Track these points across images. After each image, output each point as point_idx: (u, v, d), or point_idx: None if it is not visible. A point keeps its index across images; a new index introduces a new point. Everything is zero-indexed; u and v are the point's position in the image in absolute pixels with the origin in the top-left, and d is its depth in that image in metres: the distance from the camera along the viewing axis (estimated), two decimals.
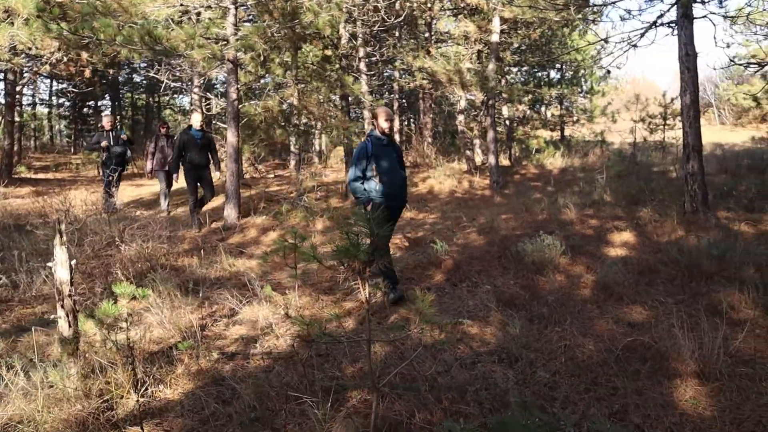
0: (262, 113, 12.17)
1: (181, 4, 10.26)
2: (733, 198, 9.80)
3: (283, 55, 12.33)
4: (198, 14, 13.43)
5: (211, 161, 10.27)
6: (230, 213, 10.42)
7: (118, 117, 29.93)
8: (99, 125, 12.80)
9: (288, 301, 5.79)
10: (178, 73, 17.05)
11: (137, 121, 33.62)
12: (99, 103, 30.94)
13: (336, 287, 6.41)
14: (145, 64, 23.53)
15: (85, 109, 31.40)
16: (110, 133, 11.74)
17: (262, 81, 14.81)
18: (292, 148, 19.32)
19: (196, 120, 10.02)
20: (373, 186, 5.83)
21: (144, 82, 29.43)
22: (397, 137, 21.40)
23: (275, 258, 7.44)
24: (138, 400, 3.70)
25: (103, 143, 11.52)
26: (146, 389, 3.91)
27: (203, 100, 19.05)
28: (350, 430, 3.17)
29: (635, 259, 6.71)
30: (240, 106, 11.09)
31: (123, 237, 7.50)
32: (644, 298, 5.51)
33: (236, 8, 10.26)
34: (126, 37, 8.72)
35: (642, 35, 8.45)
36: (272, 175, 18.62)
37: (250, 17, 16.37)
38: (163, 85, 16.97)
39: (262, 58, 11.77)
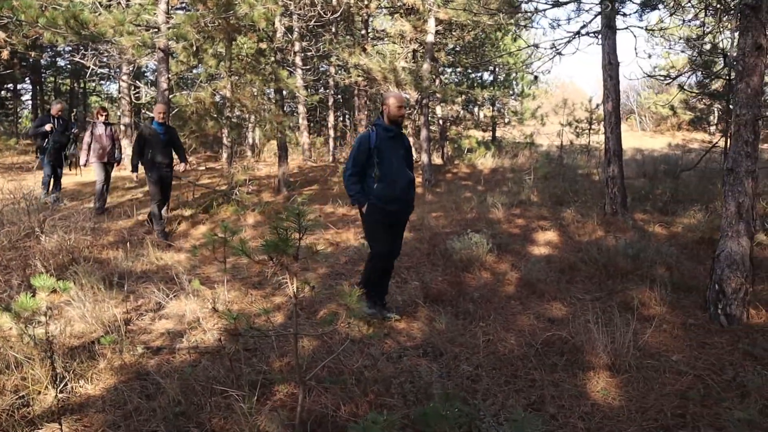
0: (194, 104, 11.92)
1: None
2: (650, 201, 10.28)
3: (217, 46, 12.13)
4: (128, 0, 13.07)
5: (177, 158, 9.18)
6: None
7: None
8: (46, 109, 12.05)
9: (216, 295, 5.73)
10: (105, 60, 16.53)
11: None
12: (18, 87, 29.59)
13: (266, 282, 6.38)
14: (71, 48, 22.68)
15: (2, 92, 29.97)
16: (57, 120, 11.13)
17: (194, 71, 14.52)
18: (225, 141, 19.01)
19: (158, 111, 8.87)
20: (373, 185, 5.03)
21: (69, 66, 28.29)
22: (331, 133, 21.36)
23: (204, 252, 7.35)
24: (56, 396, 3.61)
25: (47, 126, 10.87)
26: (66, 385, 3.81)
27: (132, 89, 18.52)
28: (275, 423, 3.18)
29: (558, 257, 6.97)
30: (171, 96, 10.85)
31: (43, 228, 7.23)
32: (564, 294, 5.74)
33: None
34: (49, 19, 8.38)
35: (566, 43, 8.75)
36: (203, 168, 18.28)
37: (183, 5, 16.01)
38: (89, 70, 16.43)
39: (194, 49, 11.55)
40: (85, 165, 10.78)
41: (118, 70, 19.20)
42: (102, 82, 30.70)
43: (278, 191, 13.32)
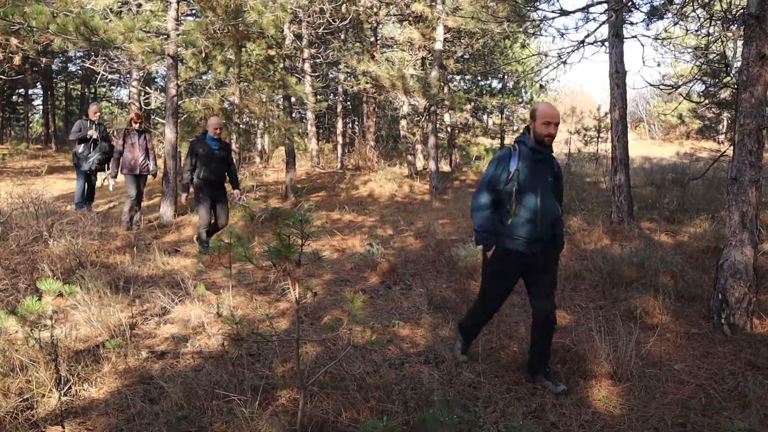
0: (203, 110, 12.02)
1: None
2: (657, 210, 10.26)
3: (226, 52, 12.22)
4: (138, 6, 13.20)
5: (228, 178, 8.18)
6: (166, 211, 10.26)
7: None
8: (84, 115, 10.81)
9: (221, 300, 5.77)
10: (115, 65, 16.66)
11: (71, 112, 32.60)
12: (29, 92, 29.85)
13: (271, 287, 6.41)
14: (81, 54, 22.88)
15: (14, 97, 30.23)
16: (97, 125, 10.45)
17: (203, 78, 14.62)
18: (233, 147, 19.10)
19: (213, 127, 7.85)
20: (506, 221, 3.96)
21: (79, 72, 28.53)
22: (339, 139, 21.41)
23: (210, 257, 7.42)
24: (60, 399, 3.65)
25: (90, 132, 10.25)
26: (69, 388, 3.84)
27: (142, 94, 18.65)
28: (276, 428, 3.21)
29: (563, 265, 6.95)
30: (180, 102, 10.94)
31: (51, 232, 7.30)
32: (568, 302, 5.74)
33: (178, 2, 10.13)
34: (60, 25, 8.47)
35: (571, 53, 8.76)
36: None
37: (193, 12, 16.15)
38: (99, 76, 16.57)
39: (203, 55, 11.65)
40: (115, 177, 9.92)
41: (128, 75, 19.35)
42: (112, 87, 30.94)
43: (286, 197, 13.38)
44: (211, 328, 5.06)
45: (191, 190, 8.05)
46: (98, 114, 10.53)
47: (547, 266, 4.08)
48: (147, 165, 9.69)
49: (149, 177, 10.05)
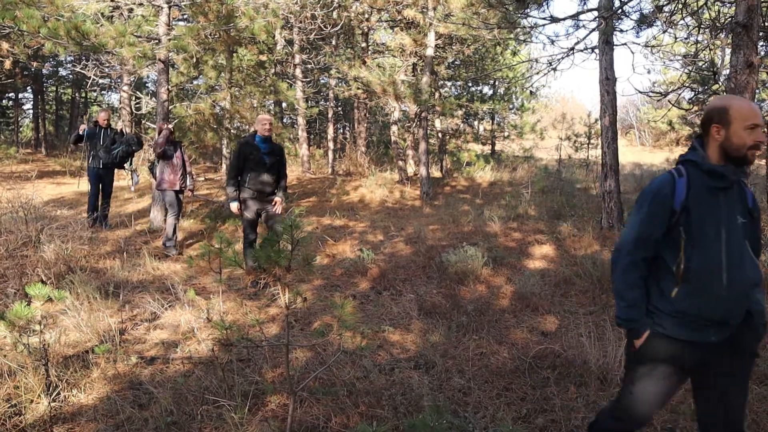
0: (194, 115, 12.00)
1: (112, 0, 10.04)
2: None
3: (218, 57, 12.22)
4: (130, 11, 13.17)
5: (278, 185, 7.04)
6: (156, 215, 10.22)
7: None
8: (93, 120, 10.21)
9: (211, 305, 5.75)
10: (106, 70, 16.62)
11: (62, 117, 32.46)
12: (20, 96, 29.69)
13: (261, 293, 6.40)
14: (72, 58, 22.80)
15: (4, 101, 30.06)
16: (105, 131, 9.94)
17: (194, 82, 14.62)
18: (224, 152, 19.08)
19: (262, 123, 6.76)
20: (670, 289, 2.53)
21: (70, 76, 28.43)
22: (330, 145, 21.42)
23: (201, 262, 7.38)
24: (49, 405, 3.62)
25: (81, 127, 9.80)
26: (58, 394, 3.82)
27: (132, 99, 18.60)
28: None
29: (553, 271, 7.00)
30: (171, 107, 10.92)
31: (40, 237, 7.26)
32: (558, 308, 5.76)
33: (170, 7, 10.12)
34: (51, 30, 8.45)
35: (561, 59, 8.82)
36: (202, 179, 18.33)
37: (185, 16, 16.13)
38: (90, 80, 16.52)
39: (194, 60, 11.64)
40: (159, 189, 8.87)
41: (118, 80, 19.31)
42: (103, 92, 30.85)
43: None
44: (200, 333, 5.04)
45: (239, 201, 6.89)
46: (107, 120, 10.02)
47: (735, 366, 2.57)
48: (185, 179, 8.81)
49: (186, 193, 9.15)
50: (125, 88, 18.85)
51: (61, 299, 3.79)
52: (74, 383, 4.00)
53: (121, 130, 10.51)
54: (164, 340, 4.97)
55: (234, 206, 6.82)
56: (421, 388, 3.94)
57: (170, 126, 8.92)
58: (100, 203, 10.10)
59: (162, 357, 4.59)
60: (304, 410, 3.62)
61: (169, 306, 5.72)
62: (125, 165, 10.26)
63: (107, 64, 15.89)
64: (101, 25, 9.42)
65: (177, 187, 8.65)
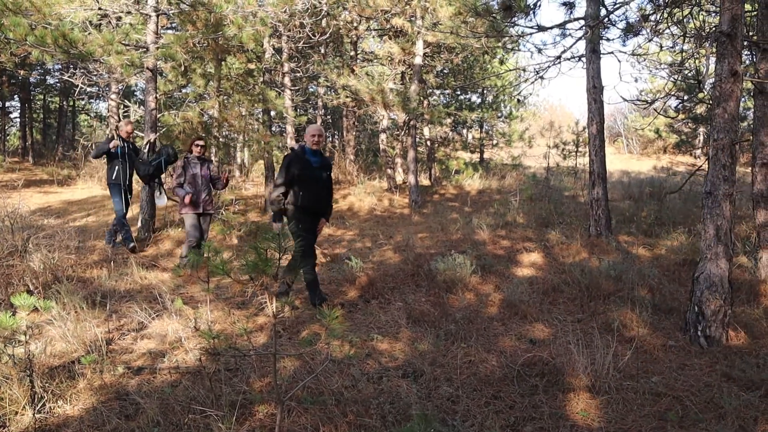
0: (182, 124, 11.97)
1: (100, 8, 10.01)
2: (635, 223, 10.38)
3: (206, 66, 12.20)
4: (118, 19, 13.14)
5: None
6: (144, 225, 10.17)
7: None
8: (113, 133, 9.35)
9: (199, 315, 5.72)
10: (94, 78, 16.55)
11: (49, 125, 32.24)
12: (6, 104, 29.49)
13: (249, 302, 6.37)
14: (60, 67, 22.69)
15: None
16: (128, 144, 9.20)
17: (183, 91, 14.58)
18: (213, 160, 19.05)
19: (311, 135, 6.06)
20: None
21: (58, 84, 28.28)
22: None
23: (188, 271, 7.36)
24: (34, 416, 3.59)
25: (113, 144, 8.88)
26: (44, 405, 3.78)
27: (120, 107, 18.54)
28: None
29: (541, 278, 7.02)
30: (159, 115, 10.88)
31: (27, 246, 7.21)
32: (546, 316, 5.78)
33: (158, 16, 10.11)
34: (38, 37, 8.42)
35: (548, 68, 8.87)
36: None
37: (173, 25, 16.12)
38: (78, 89, 16.45)
39: (183, 68, 11.61)
40: (163, 193, 8.69)
41: (106, 88, 19.23)
42: (91, 100, 30.71)
43: (265, 211, 13.34)
44: (188, 342, 5.01)
45: (285, 220, 6.16)
46: (131, 131, 9.23)
47: None
48: (211, 200, 8.11)
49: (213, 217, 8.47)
50: (113, 96, 18.82)
51: (47, 309, 3.77)
52: (60, 394, 3.97)
53: (154, 141, 9.87)
54: (151, 349, 4.93)
55: (277, 227, 6.02)
56: (410, 396, 3.94)
57: (200, 142, 8.09)
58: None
59: (149, 367, 4.56)
60: (292, 420, 3.60)
61: (157, 315, 5.68)
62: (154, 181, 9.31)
63: (95, 73, 15.83)
64: (89, 33, 9.39)
65: (200, 210, 7.84)
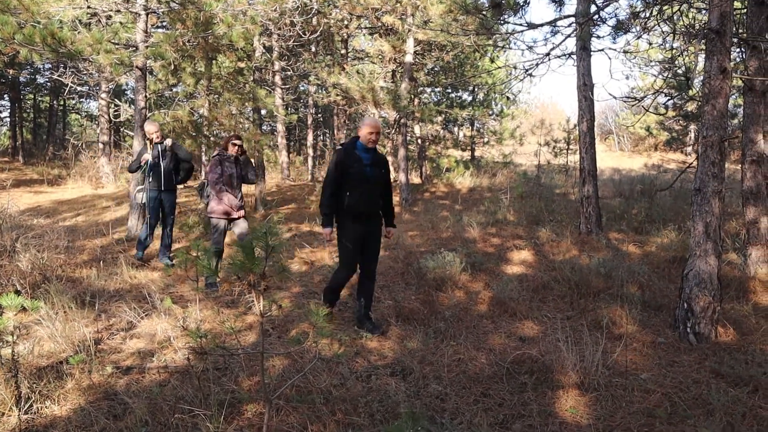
0: (172, 123, 11.92)
1: (89, 6, 9.95)
2: (625, 220, 10.41)
3: (196, 64, 12.15)
4: (108, 17, 13.08)
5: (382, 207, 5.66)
6: (134, 224, 10.12)
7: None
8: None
9: (188, 314, 5.70)
10: (84, 77, 16.47)
11: (39, 125, 32.08)
12: None
13: (238, 301, 6.35)
14: (50, 66, 22.57)
15: None
16: (158, 146, 8.09)
17: (173, 90, 14.53)
18: (203, 159, 18.99)
19: (369, 131, 5.33)
20: None
21: (48, 83, 28.13)
22: (310, 152, 21.42)
23: (178, 270, 7.33)
24: (20, 417, 3.56)
25: (145, 156, 8.03)
26: (31, 406, 3.75)
27: (111, 107, 18.47)
28: None
29: (531, 276, 7.03)
30: (149, 114, 10.84)
31: (16, 246, 7.17)
32: (536, 313, 5.78)
33: (147, 14, 10.05)
34: (26, 36, 8.36)
35: (537, 65, 8.89)
36: (181, 186, 18.21)
37: (163, 23, 16.06)
38: (68, 88, 16.37)
39: (173, 67, 11.57)
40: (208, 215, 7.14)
41: (96, 87, 19.16)
42: (81, 99, 30.56)
43: (255, 210, 13.32)
44: (177, 342, 4.99)
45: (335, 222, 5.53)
46: (157, 133, 8.11)
47: None
48: (242, 206, 7.29)
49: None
50: (103, 95, 18.75)
51: (35, 309, 3.75)
52: (47, 395, 3.94)
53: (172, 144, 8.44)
54: (140, 349, 4.91)
55: (328, 231, 5.43)
56: (398, 394, 3.93)
57: (238, 141, 7.20)
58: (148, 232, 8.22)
59: (138, 367, 4.53)
60: (280, 419, 3.59)
61: (146, 315, 5.66)
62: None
63: (85, 72, 15.76)
64: (78, 32, 9.34)
65: (234, 215, 7.07)
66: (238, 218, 7.13)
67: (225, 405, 3.68)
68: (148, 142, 8.27)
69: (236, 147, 7.15)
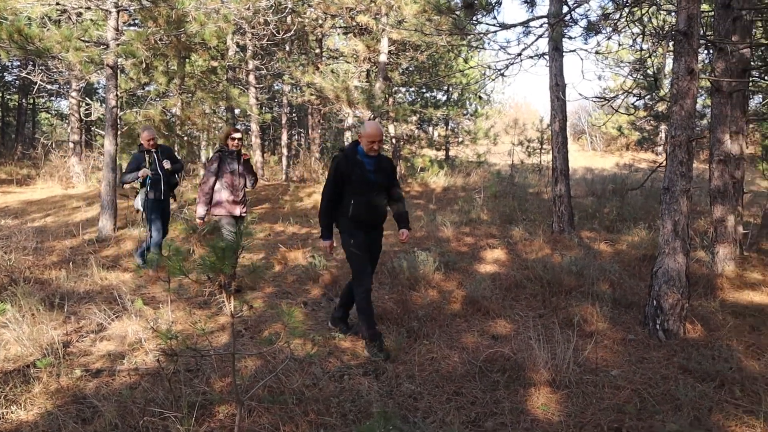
0: (144, 122, 11.79)
1: (58, 3, 9.80)
2: (597, 219, 10.53)
3: (170, 63, 12.04)
4: (78, 15, 12.89)
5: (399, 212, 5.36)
6: (105, 224, 10.00)
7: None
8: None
9: (160, 315, 5.64)
10: (54, 75, 16.23)
11: (8, 123, 31.52)
12: None
13: (211, 301, 6.30)
14: (18, 63, 22.21)
15: None
16: (154, 153, 7.73)
17: (146, 88, 14.38)
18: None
19: (370, 139, 4.89)
20: None
21: (16, 81, 27.65)
22: (284, 151, 21.34)
23: (150, 271, 7.25)
24: None
25: (144, 172, 7.52)
26: None
27: (81, 105, 18.20)
28: None
29: (504, 275, 7.07)
30: (120, 113, 10.71)
31: None
32: (509, 312, 5.82)
33: (118, 12, 9.93)
34: None
35: (509, 65, 8.96)
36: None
37: (135, 21, 15.89)
38: (37, 86, 16.11)
39: (144, 66, 11.45)
40: (202, 218, 6.66)
41: (67, 86, 18.87)
42: (52, 98, 30.10)
43: None
44: (148, 344, 4.94)
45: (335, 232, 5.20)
46: (152, 140, 7.72)
47: None
48: (246, 203, 6.97)
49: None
50: (74, 94, 18.45)
51: (1, 312, 3.67)
52: (14, 399, 3.87)
53: (167, 150, 8.15)
54: (111, 351, 4.84)
55: (327, 244, 5.09)
56: (371, 394, 3.93)
57: (237, 135, 6.82)
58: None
59: (108, 369, 4.47)
60: (252, 419, 3.57)
61: (117, 317, 5.58)
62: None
63: (55, 70, 15.53)
64: (47, 29, 9.19)
65: (237, 213, 6.73)
66: (241, 217, 6.77)
67: (196, 407, 3.65)
68: (144, 152, 7.71)
69: (236, 141, 6.74)
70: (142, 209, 7.79)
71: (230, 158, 6.69)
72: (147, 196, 7.61)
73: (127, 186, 8.22)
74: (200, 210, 6.55)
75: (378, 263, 5.48)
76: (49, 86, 18.96)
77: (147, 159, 7.65)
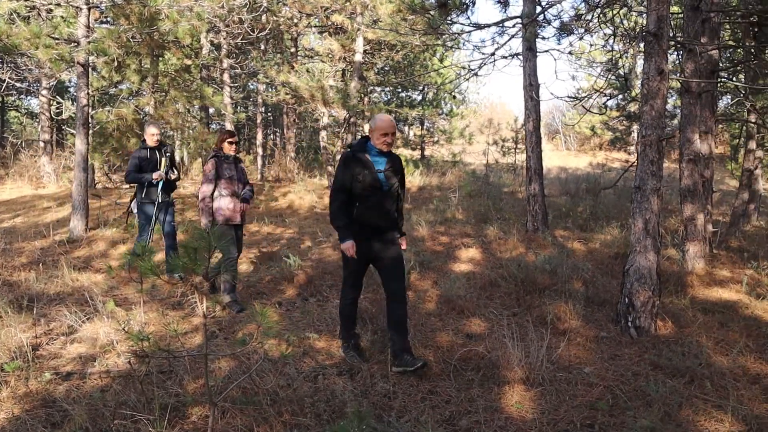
0: (116, 121, 11.65)
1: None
2: (571, 218, 10.64)
3: (141, 61, 11.90)
4: (48, 11, 12.69)
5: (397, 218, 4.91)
6: (77, 225, 9.85)
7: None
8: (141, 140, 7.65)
9: (132, 316, 5.57)
10: (23, 73, 15.95)
11: None
12: None
13: (184, 302, 6.24)
14: None
15: None
16: (157, 152, 7.38)
17: (118, 87, 14.21)
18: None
19: (383, 132, 4.55)
20: None
21: None
22: (260, 151, 21.23)
23: (122, 272, 7.16)
24: None
25: (156, 175, 7.21)
26: None
27: (52, 104, 17.92)
28: None
29: (479, 274, 7.11)
30: (92, 112, 10.56)
31: None
32: (483, 310, 5.86)
33: (89, 9, 9.79)
34: None
35: (482, 65, 9.01)
36: (126, 186, 17.80)
37: (107, 18, 15.68)
38: (5, 84, 15.82)
39: (116, 64, 11.31)
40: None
41: (37, 84, 18.56)
42: (21, 96, 29.55)
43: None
44: (120, 346, 4.87)
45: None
46: (157, 136, 7.40)
47: None
48: (246, 209, 6.43)
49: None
50: (44, 92, 18.15)
51: None
52: None
53: (170, 150, 7.74)
54: (81, 354, 4.77)
55: (348, 245, 4.54)
56: (345, 394, 3.92)
57: (233, 139, 6.42)
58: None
59: (78, 372, 4.41)
60: (226, 421, 3.54)
61: (88, 318, 5.50)
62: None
63: (24, 67, 15.25)
64: (15, 26, 9.03)
65: (238, 221, 6.27)
66: (241, 224, 6.39)
67: (169, 409, 3.61)
68: (147, 149, 7.35)
69: (233, 145, 6.36)
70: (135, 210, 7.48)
71: (227, 163, 6.32)
72: (142, 200, 7.33)
73: (126, 186, 8.08)
74: (204, 221, 6.05)
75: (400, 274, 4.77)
76: (18, 84, 18.59)
77: (160, 160, 7.32)
